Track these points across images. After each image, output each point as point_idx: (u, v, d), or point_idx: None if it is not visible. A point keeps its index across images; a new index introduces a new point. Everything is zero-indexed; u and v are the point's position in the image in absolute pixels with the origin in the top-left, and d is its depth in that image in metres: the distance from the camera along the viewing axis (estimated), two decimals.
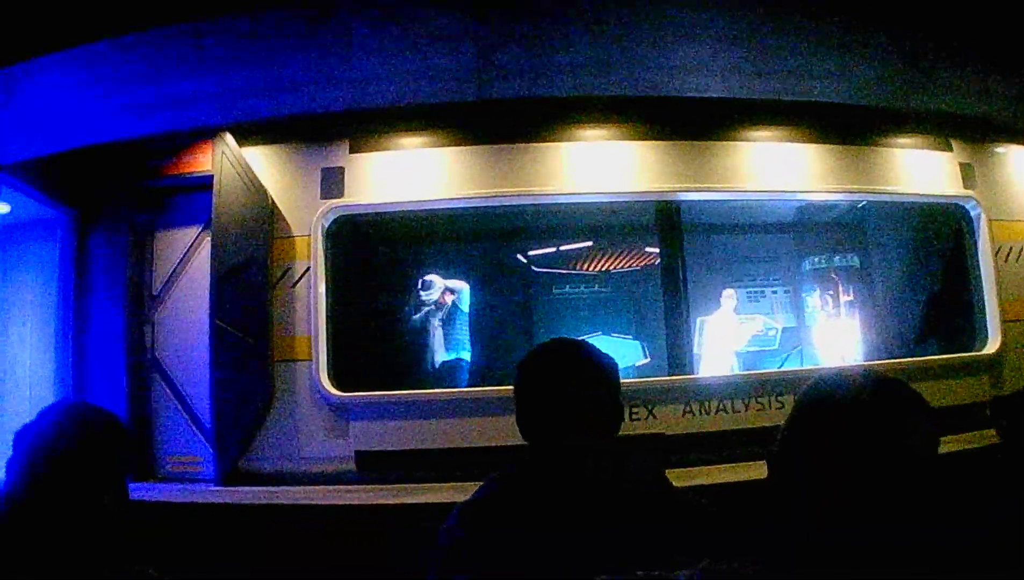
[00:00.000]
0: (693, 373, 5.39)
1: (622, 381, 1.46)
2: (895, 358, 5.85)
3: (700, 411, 5.17)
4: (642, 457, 1.39)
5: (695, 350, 5.46)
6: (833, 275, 6.21)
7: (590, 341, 1.50)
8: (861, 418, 0.88)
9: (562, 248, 6.40)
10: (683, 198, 5.47)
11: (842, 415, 0.89)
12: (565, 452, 1.31)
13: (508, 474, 1.38)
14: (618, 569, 1.12)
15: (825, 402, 0.92)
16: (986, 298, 5.83)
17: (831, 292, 6.17)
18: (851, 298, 6.08)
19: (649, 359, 5.92)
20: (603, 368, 1.40)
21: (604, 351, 1.43)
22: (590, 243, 6.40)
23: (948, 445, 3.95)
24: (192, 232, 5.57)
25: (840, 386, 0.93)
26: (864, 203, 6.09)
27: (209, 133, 5.38)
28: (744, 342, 5.60)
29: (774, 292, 6.20)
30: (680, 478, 4.13)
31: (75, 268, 5.81)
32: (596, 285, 6.39)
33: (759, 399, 5.20)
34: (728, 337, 5.67)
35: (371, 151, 5.36)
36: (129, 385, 5.46)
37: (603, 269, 6.48)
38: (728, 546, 1.17)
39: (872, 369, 1.02)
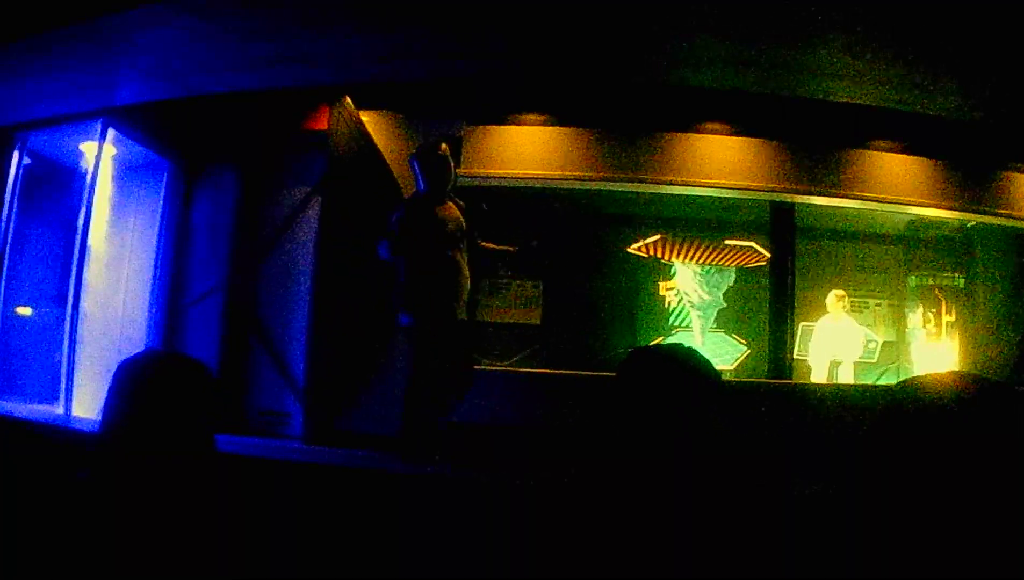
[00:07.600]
0: (792, 378, 5.35)
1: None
2: None
3: (796, 418, 5.11)
4: (727, 462, 1.34)
5: (795, 355, 5.39)
6: (937, 293, 6.11)
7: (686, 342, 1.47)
8: (963, 418, 0.82)
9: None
10: (800, 200, 5.42)
11: (941, 415, 0.83)
12: (652, 460, 1.27)
13: (588, 469, 1.35)
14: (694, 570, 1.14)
15: (922, 401, 0.86)
16: None
17: (934, 310, 6.08)
18: (953, 318, 5.98)
19: (733, 367, 5.88)
20: (702, 378, 1.33)
21: (705, 359, 1.37)
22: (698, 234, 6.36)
23: None
24: (302, 191, 5.59)
25: (938, 386, 0.87)
26: (973, 223, 5.99)
27: (327, 93, 5.38)
28: (859, 349, 5.47)
29: (877, 304, 6.12)
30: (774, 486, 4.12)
31: (179, 215, 5.87)
32: (703, 277, 6.33)
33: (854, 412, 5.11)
34: (840, 343, 5.53)
35: (489, 124, 5.36)
36: (224, 336, 5.51)
37: (710, 264, 6.43)
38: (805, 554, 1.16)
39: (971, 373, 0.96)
